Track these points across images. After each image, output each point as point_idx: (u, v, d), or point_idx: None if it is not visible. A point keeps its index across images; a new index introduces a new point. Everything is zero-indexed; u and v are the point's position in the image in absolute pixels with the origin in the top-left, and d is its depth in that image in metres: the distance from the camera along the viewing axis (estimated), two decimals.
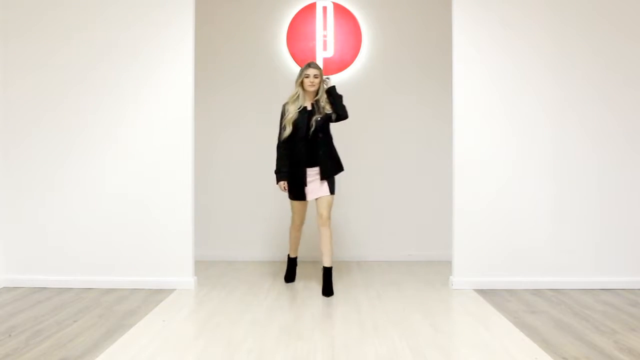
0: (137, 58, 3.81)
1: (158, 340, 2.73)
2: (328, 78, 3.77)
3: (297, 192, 3.77)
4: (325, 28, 4.85)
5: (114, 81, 3.81)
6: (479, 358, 2.51)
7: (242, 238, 4.87)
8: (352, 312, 3.25)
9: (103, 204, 3.82)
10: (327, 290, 3.65)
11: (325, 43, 4.85)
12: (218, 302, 3.46)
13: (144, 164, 3.81)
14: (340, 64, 4.83)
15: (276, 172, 3.79)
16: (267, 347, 2.63)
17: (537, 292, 3.67)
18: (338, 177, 3.81)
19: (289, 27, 4.87)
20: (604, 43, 3.83)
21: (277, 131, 3.84)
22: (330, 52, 4.83)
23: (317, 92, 3.73)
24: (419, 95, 4.86)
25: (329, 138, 3.77)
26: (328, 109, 3.70)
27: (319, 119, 3.68)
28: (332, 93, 3.70)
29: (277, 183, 3.78)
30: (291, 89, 3.87)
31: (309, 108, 3.72)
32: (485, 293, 3.66)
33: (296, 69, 4.79)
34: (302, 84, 3.71)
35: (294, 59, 4.84)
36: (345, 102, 3.72)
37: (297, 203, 3.83)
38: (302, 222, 3.94)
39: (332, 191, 3.73)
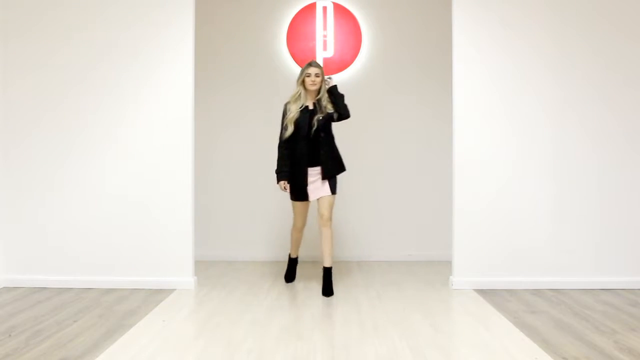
0: (137, 58, 3.81)
1: (158, 340, 2.73)
2: (330, 78, 3.77)
3: (298, 192, 3.76)
4: (325, 28, 4.85)
5: (114, 81, 3.81)
6: (479, 358, 2.51)
7: (242, 238, 4.87)
8: (352, 312, 3.25)
9: (103, 204, 3.82)
10: (327, 290, 3.65)
11: (325, 43, 4.85)
12: (218, 302, 3.46)
13: (144, 164, 3.81)
14: (340, 64, 4.83)
15: (277, 171, 3.77)
16: (267, 347, 2.63)
17: (537, 292, 3.67)
18: (339, 177, 3.81)
19: (289, 27, 4.87)
20: (604, 43, 3.83)
21: (277, 131, 3.84)
22: (330, 52, 4.83)
23: (318, 91, 3.72)
24: (419, 95, 4.86)
25: (330, 137, 3.76)
26: (330, 108, 3.69)
27: (320, 118, 3.67)
28: (333, 92, 3.70)
29: (278, 183, 3.77)
30: (291, 89, 3.87)
31: (311, 107, 3.72)
32: (485, 293, 3.66)
33: (296, 68, 4.79)
34: (303, 83, 3.70)
35: (294, 59, 4.84)
36: (346, 101, 3.72)
37: (298, 204, 3.81)
38: (303, 224, 3.91)
39: (333, 191, 3.73)
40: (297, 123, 3.66)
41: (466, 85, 3.82)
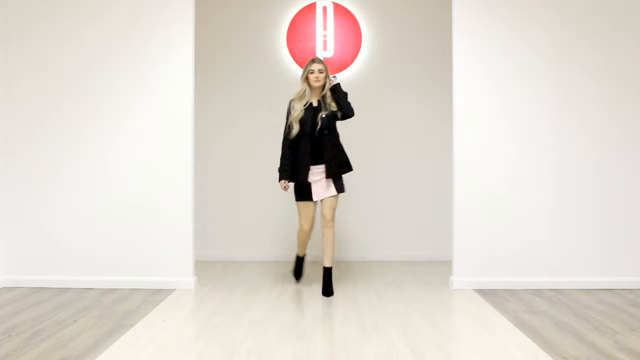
0: (137, 58, 3.81)
1: (158, 340, 2.73)
2: (334, 77, 3.73)
3: (301, 191, 3.70)
4: (325, 28, 4.85)
5: (114, 81, 3.81)
6: (478, 358, 2.51)
7: (242, 238, 4.87)
8: (352, 312, 3.25)
9: (103, 204, 3.82)
10: (327, 290, 3.65)
11: (325, 43, 4.85)
12: (218, 302, 3.46)
13: (144, 164, 3.81)
14: (340, 64, 4.83)
15: (279, 170, 3.73)
16: (267, 347, 2.63)
17: (537, 292, 3.67)
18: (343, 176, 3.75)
19: (289, 27, 4.87)
20: (604, 43, 3.83)
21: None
22: (330, 52, 4.83)
23: (323, 88, 3.68)
24: (419, 95, 4.87)
25: (335, 136, 3.71)
26: (334, 106, 3.66)
27: (323, 116, 3.63)
28: (336, 90, 3.66)
29: (279, 181, 3.74)
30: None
31: (315, 104, 3.68)
32: (485, 293, 3.66)
33: (296, 68, 4.80)
34: (307, 80, 3.66)
35: (294, 58, 4.85)
36: (348, 100, 3.70)
37: (302, 205, 3.72)
38: (310, 227, 3.75)
39: (340, 190, 3.67)
40: (301, 121, 3.63)
41: (466, 85, 3.82)
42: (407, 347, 2.63)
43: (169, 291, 3.68)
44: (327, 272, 3.69)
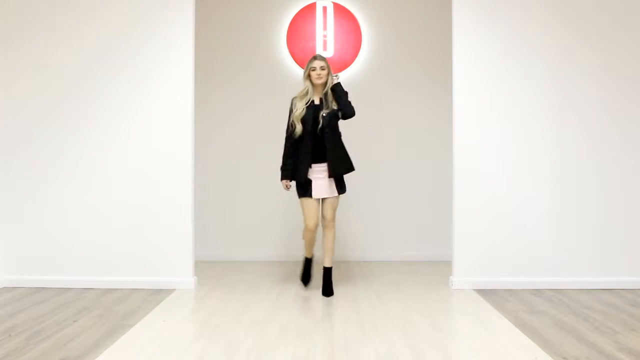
0: (137, 58, 3.81)
1: (158, 340, 2.73)
2: (336, 76, 3.70)
3: (303, 188, 3.65)
4: (325, 28, 4.85)
5: (114, 81, 3.81)
6: (478, 358, 2.51)
7: (242, 238, 4.87)
8: (352, 312, 3.25)
9: (103, 204, 3.82)
10: (327, 290, 3.65)
11: (325, 43, 4.85)
12: (218, 302, 3.46)
13: (144, 164, 3.81)
14: (340, 64, 4.83)
15: (281, 168, 3.70)
16: (267, 347, 2.63)
17: (537, 292, 3.67)
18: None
19: (289, 27, 4.87)
20: (604, 43, 3.83)
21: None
22: (330, 52, 4.83)
23: (325, 85, 3.65)
24: (419, 95, 4.87)
25: (337, 134, 3.68)
26: (335, 105, 3.64)
27: (324, 114, 3.61)
28: (336, 90, 3.63)
29: (281, 180, 3.71)
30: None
31: (317, 102, 3.66)
32: (485, 293, 3.66)
33: (296, 68, 4.80)
34: (309, 77, 3.63)
35: (294, 58, 4.85)
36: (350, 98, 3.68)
37: (305, 201, 3.65)
38: (315, 225, 3.66)
39: (341, 191, 3.66)
40: (303, 119, 3.60)
41: (466, 85, 3.82)
42: (407, 347, 2.63)
43: (169, 291, 3.68)
44: (327, 272, 3.69)
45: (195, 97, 3.86)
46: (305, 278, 3.87)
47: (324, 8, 4.86)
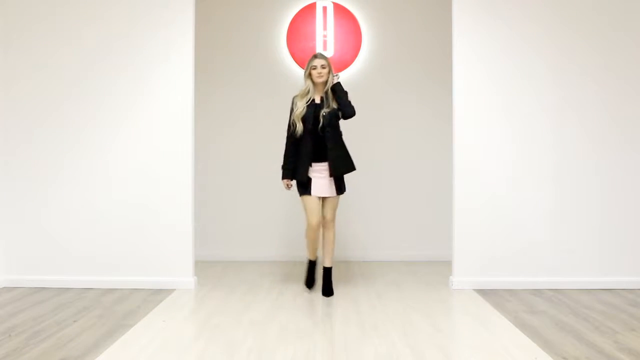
0: (137, 58, 3.81)
1: (158, 340, 2.73)
2: (336, 75, 3.69)
3: (305, 186, 3.62)
4: (325, 28, 4.85)
5: (114, 81, 3.81)
6: (478, 358, 2.51)
7: (242, 238, 4.87)
8: (352, 312, 3.25)
9: (103, 204, 3.82)
10: (327, 290, 3.64)
11: (325, 43, 4.85)
12: (218, 302, 3.46)
13: (144, 164, 3.81)
14: (340, 64, 4.83)
15: (282, 167, 3.69)
16: (267, 347, 2.63)
17: (537, 292, 3.67)
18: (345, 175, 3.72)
19: (289, 27, 4.87)
20: (604, 43, 3.83)
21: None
22: (330, 52, 4.83)
23: (326, 84, 3.64)
24: (419, 95, 4.87)
25: (337, 134, 3.66)
26: (335, 104, 3.62)
27: (324, 113, 3.59)
28: (335, 90, 3.62)
29: (282, 180, 3.70)
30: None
31: (317, 101, 3.65)
32: (485, 293, 3.66)
33: (296, 68, 4.80)
34: (310, 76, 3.61)
35: (294, 58, 4.85)
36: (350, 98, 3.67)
37: (307, 199, 3.62)
38: (318, 223, 3.61)
39: (341, 191, 3.65)
40: (303, 118, 3.58)
41: (466, 85, 3.82)
42: (407, 347, 2.63)
43: (169, 291, 3.68)
44: (327, 272, 3.69)
45: (195, 97, 3.86)
46: (310, 282, 3.82)
47: (324, 8, 4.86)
